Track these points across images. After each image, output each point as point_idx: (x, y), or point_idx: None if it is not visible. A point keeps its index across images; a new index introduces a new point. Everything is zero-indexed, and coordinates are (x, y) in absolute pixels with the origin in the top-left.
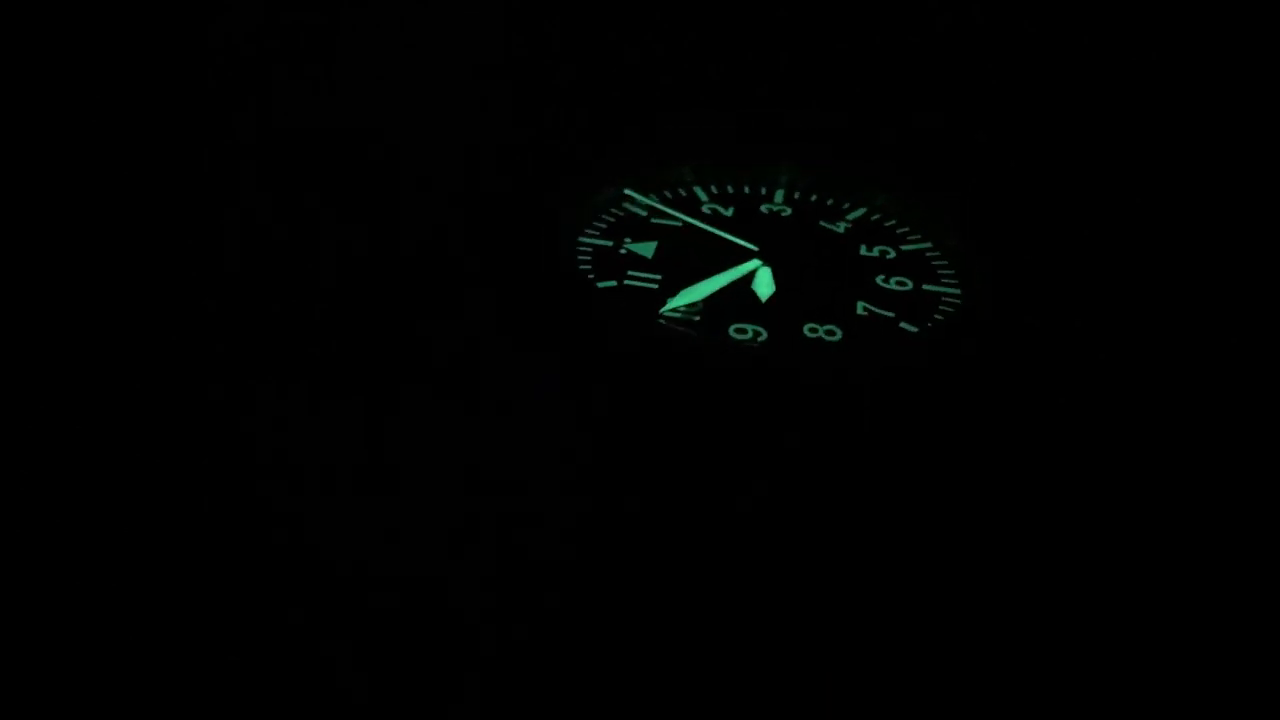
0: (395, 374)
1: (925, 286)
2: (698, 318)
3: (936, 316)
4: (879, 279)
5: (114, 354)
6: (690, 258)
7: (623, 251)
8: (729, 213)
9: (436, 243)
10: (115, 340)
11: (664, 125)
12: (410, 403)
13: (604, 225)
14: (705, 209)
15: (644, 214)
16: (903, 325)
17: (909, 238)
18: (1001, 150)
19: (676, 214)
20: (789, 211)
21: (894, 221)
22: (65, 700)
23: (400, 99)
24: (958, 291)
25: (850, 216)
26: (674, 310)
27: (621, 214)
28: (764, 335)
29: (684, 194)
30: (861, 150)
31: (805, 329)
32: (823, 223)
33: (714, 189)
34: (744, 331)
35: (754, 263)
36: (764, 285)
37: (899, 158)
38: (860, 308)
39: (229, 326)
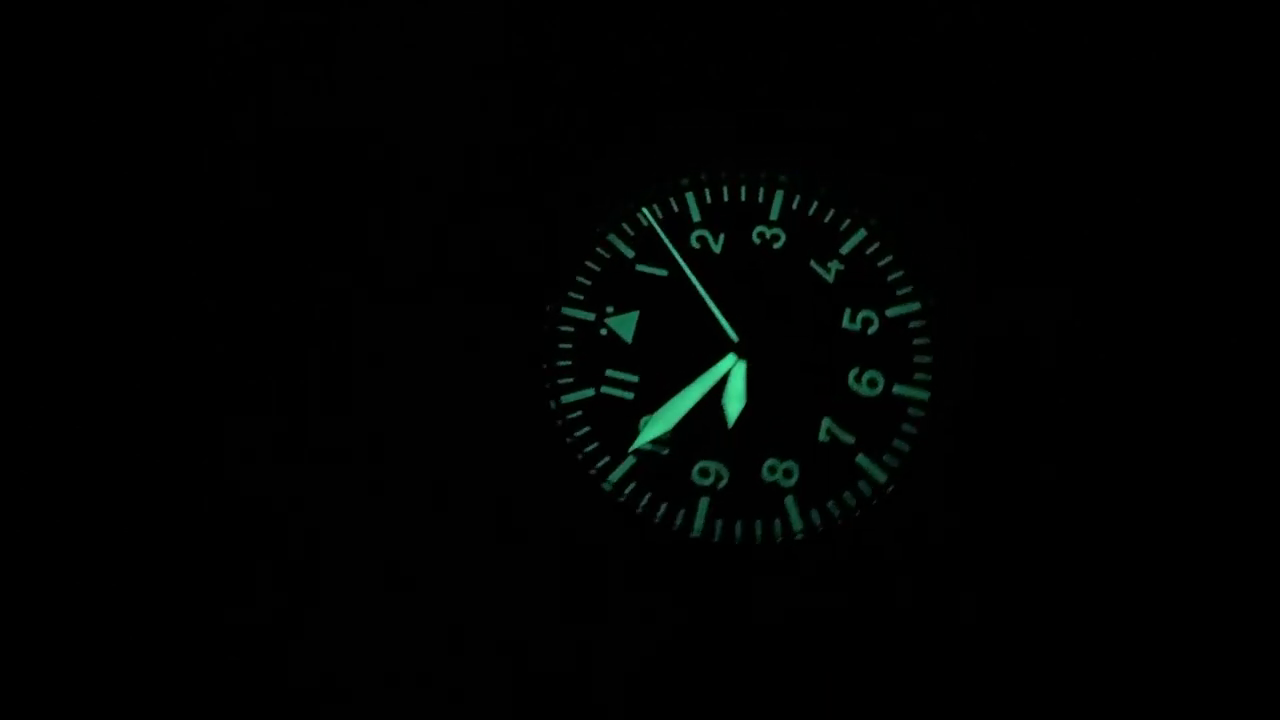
0: (385, 377)
1: (895, 389)
2: (666, 451)
3: (898, 444)
4: (851, 376)
5: (113, 354)
6: (671, 338)
7: (603, 332)
8: (719, 247)
9: (436, 242)
10: (115, 340)
11: (664, 125)
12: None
13: (588, 282)
14: (695, 238)
15: (630, 254)
16: (860, 461)
17: (898, 292)
18: (1001, 150)
19: (654, 270)
20: (782, 240)
21: (888, 259)
22: (65, 700)
23: (400, 99)
24: (925, 396)
25: (844, 249)
26: (645, 445)
27: (609, 256)
28: (724, 478)
29: (675, 209)
30: (860, 152)
31: (765, 468)
32: (813, 262)
33: (708, 197)
34: (707, 474)
35: (730, 359)
36: (734, 400)
37: (897, 161)
38: (824, 431)
39: (229, 326)
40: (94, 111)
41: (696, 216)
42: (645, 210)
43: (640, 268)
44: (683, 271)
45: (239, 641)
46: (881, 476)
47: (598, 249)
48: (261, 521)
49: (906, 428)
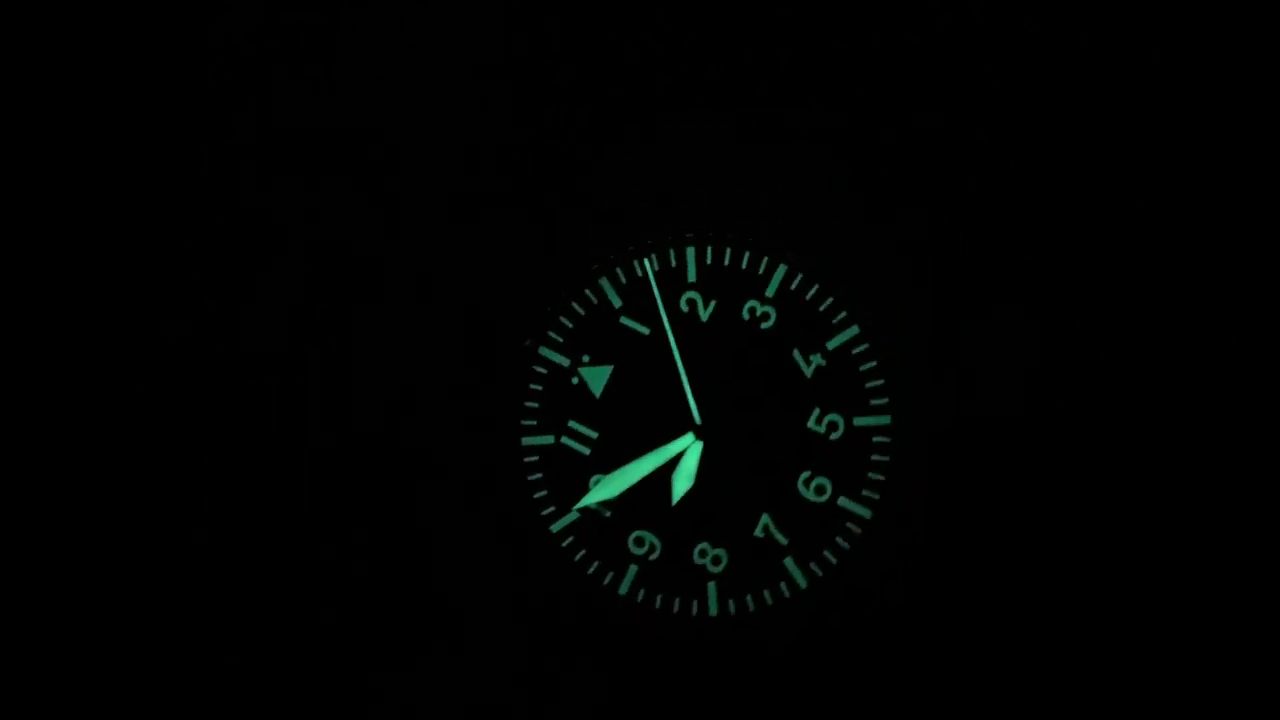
0: (386, 375)
1: (840, 501)
2: (609, 514)
3: (826, 555)
4: (800, 481)
5: (113, 354)
6: (638, 401)
7: (574, 380)
8: (707, 314)
9: (435, 242)
10: (114, 340)
11: (664, 125)
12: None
13: (570, 325)
14: (685, 300)
15: (618, 304)
16: (787, 564)
17: (871, 402)
18: (1002, 150)
19: (638, 327)
20: (772, 320)
21: (871, 364)
22: (65, 700)
23: (400, 99)
24: (867, 514)
25: (831, 343)
26: (590, 504)
27: (596, 302)
28: (656, 551)
29: (673, 264)
30: (860, 154)
31: (696, 550)
32: (796, 352)
33: (709, 257)
34: (641, 544)
35: (688, 439)
36: (683, 479)
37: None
38: (760, 527)
39: (228, 327)
40: (93, 111)
41: (692, 277)
42: (644, 261)
43: (624, 320)
44: (664, 334)
45: (239, 645)
46: (803, 582)
47: (586, 292)
48: (260, 521)
49: (840, 541)
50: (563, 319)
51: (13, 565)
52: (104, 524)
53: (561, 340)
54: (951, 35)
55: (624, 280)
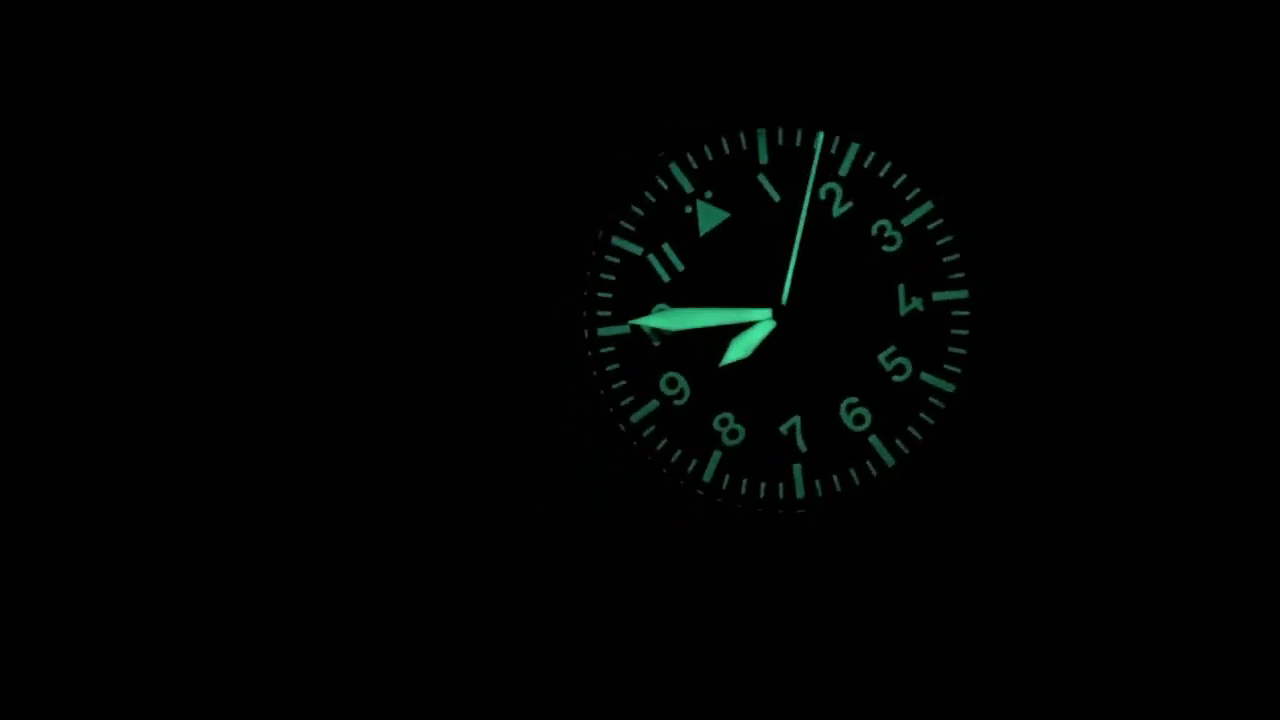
0: (387, 373)
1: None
2: (656, 344)
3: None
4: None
5: (113, 354)
6: (730, 261)
7: (688, 209)
8: (778, 195)
9: (436, 243)
10: (114, 340)
11: (664, 126)
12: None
13: (641, 214)
14: (768, 184)
15: (763, 159)
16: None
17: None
18: (1002, 150)
19: (770, 191)
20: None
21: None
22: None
23: (400, 99)
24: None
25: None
26: (645, 325)
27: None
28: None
29: (744, 147)
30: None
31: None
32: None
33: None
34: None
35: (764, 314)
36: (739, 348)
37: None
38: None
39: (229, 327)
40: (94, 111)
41: (764, 159)
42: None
43: (761, 179)
44: (795, 210)
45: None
46: (890, 460)
47: (672, 169)
48: (261, 526)
49: (925, 417)
50: (634, 207)
51: (6, 562)
52: (101, 521)
53: (634, 229)
54: (951, 35)
55: (695, 165)
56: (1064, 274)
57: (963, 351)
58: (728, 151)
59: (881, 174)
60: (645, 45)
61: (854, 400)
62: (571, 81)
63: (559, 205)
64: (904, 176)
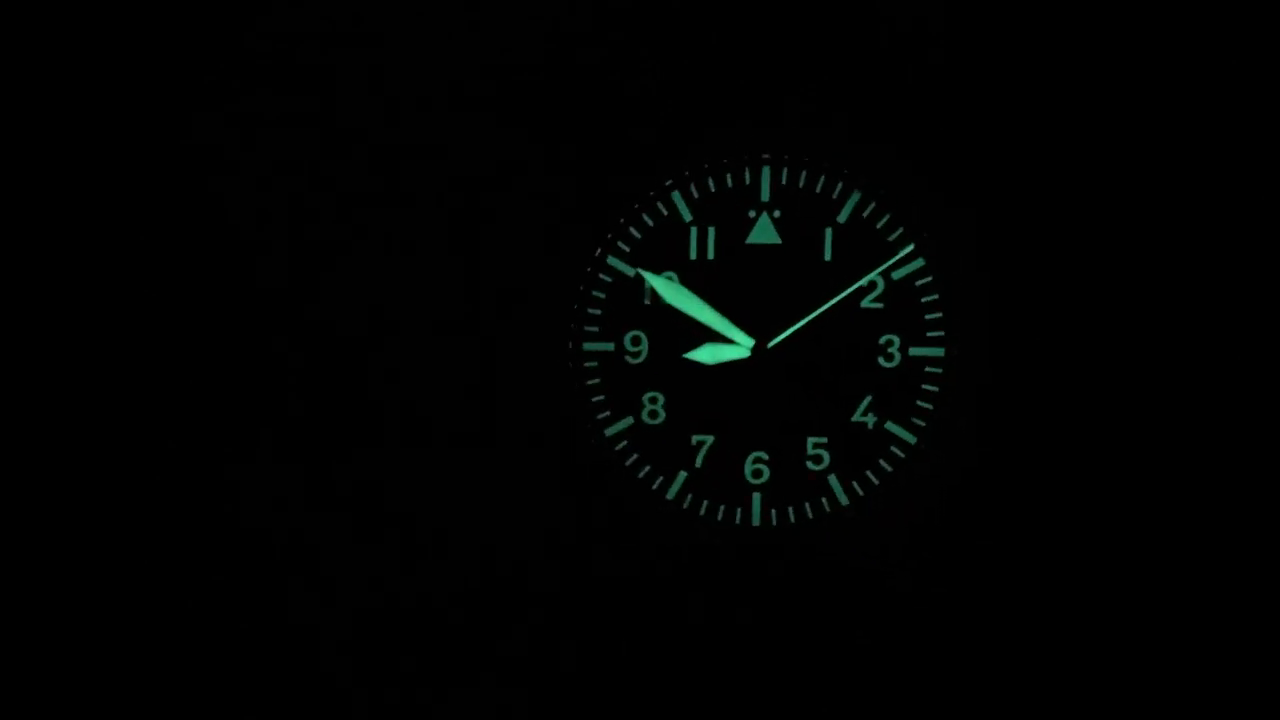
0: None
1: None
2: (646, 301)
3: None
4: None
5: (113, 354)
6: (723, 292)
7: (750, 214)
8: (711, 250)
9: (438, 243)
10: (114, 340)
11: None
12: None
13: (638, 237)
14: (768, 221)
15: (688, 218)
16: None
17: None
18: (1003, 151)
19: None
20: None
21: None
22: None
23: (400, 98)
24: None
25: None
26: (647, 278)
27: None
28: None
29: (747, 181)
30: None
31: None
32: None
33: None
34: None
35: (744, 344)
36: (707, 352)
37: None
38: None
39: (227, 327)
40: (87, 108)
41: (765, 196)
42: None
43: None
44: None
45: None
46: (844, 499)
47: (658, 205)
48: (261, 536)
49: (884, 464)
50: (631, 229)
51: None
52: (101, 532)
53: (628, 250)
54: (952, 34)
55: (695, 195)
56: (1045, 344)
57: (929, 407)
58: (730, 185)
59: (879, 225)
60: (646, 47)
61: (821, 440)
62: (572, 81)
63: (559, 221)
64: (900, 230)
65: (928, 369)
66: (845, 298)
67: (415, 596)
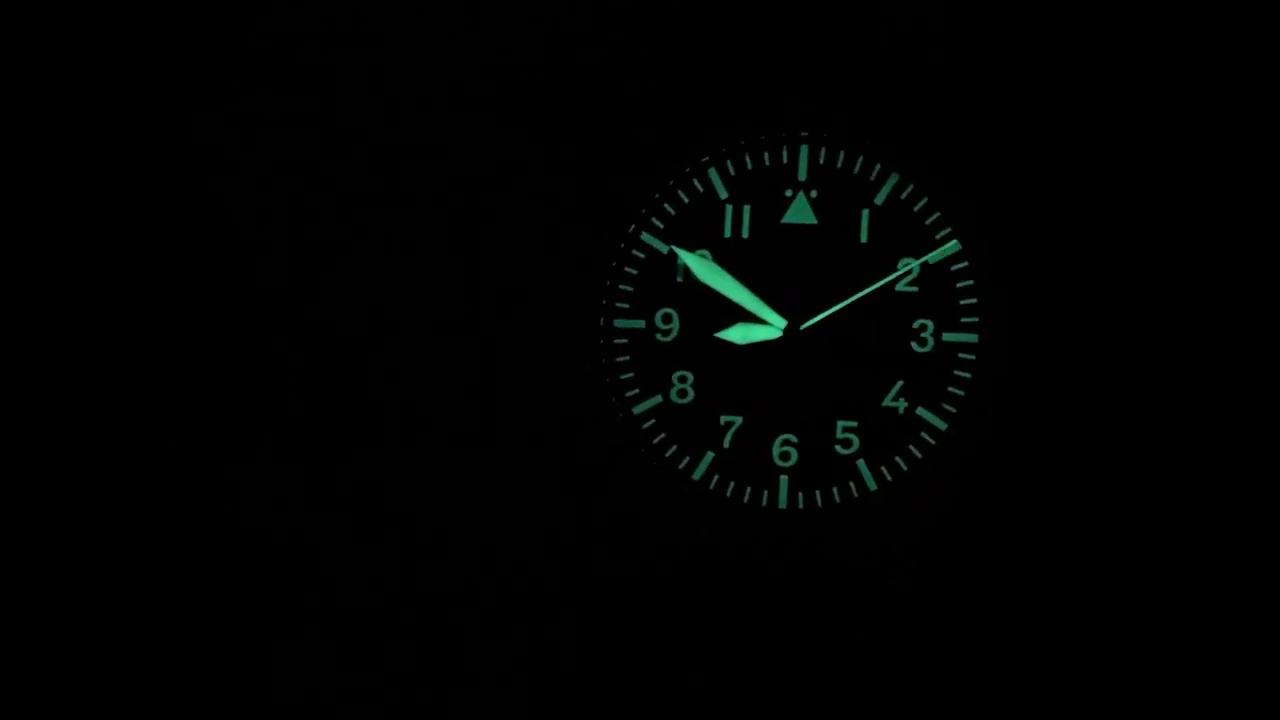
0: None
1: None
2: (679, 279)
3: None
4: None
5: (113, 354)
6: (757, 269)
7: (788, 193)
8: (746, 230)
9: (438, 243)
10: (114, 340)
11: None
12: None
13: (672, 214)
14: (804, 201)
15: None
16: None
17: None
18: (1003, 153)
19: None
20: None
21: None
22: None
23: (400, 99)
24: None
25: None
26: (681, 254)
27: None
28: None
29: (785, 160)
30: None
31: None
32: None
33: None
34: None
35: (777, 324)
36: (738, 332)
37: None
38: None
39: (227, 327)
40: (93, 112)
41: (803, 175)
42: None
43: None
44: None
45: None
46: (872, 484)
47: (694, 181)
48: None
49: (914, 450)
50: (667, 206)
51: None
52: (103, 531)
53: (662, 227)
54: (951, 35)
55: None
56: (1077, 331)
57: (961, 393)
58: (768, 163)
59: (916, 209)
60: (647, 48)
61: (851, 424)
62: (571, 83)
63: (592, 199)
64: (937, 214)
65: (961, 355)
66: (864, 280)
67: (414, 595)
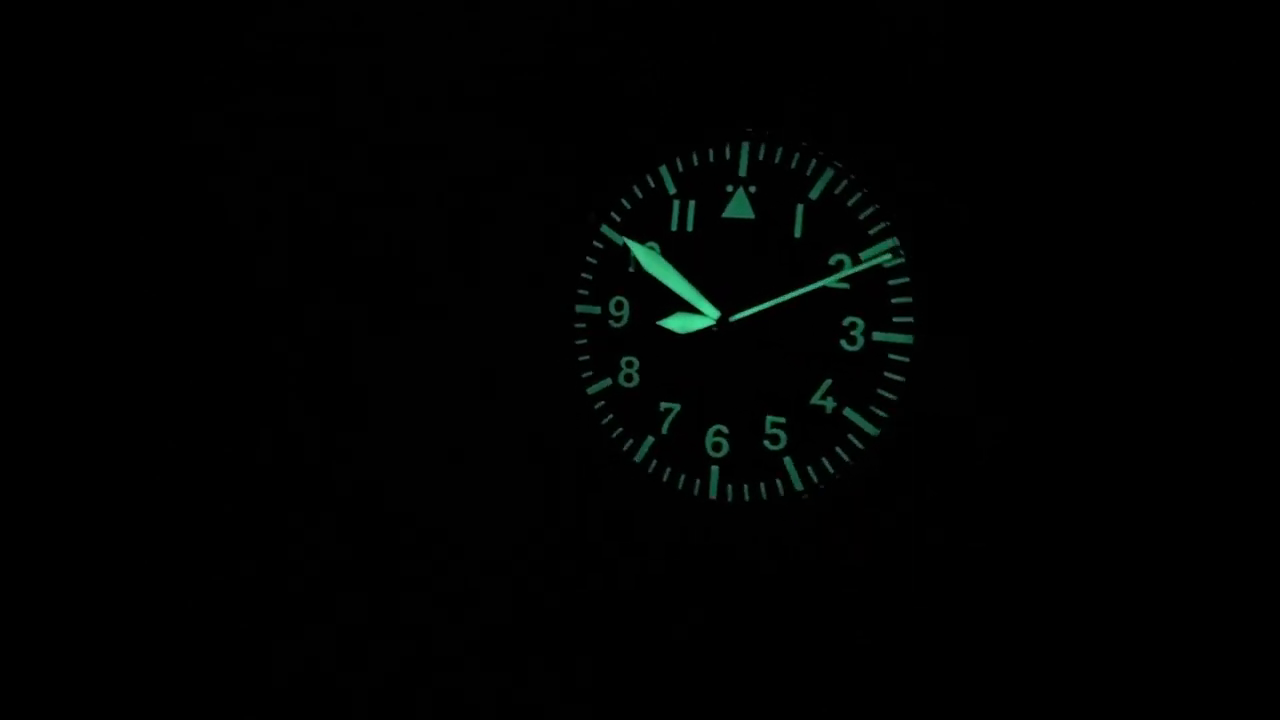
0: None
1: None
2: (631, 269)
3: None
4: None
5: (113, 353)
6: (698, 263)
7: (729, 189)
8: (691, 223)
9: (438, 244)
10: (114, 340)
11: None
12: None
13: (628, 208)
14: (744, 196)
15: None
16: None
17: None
18: (1001, 150)
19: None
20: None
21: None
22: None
23: (400, 98)
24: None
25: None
26: (632, 248)
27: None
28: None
29: (728, 156)
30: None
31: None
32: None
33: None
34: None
35: (710, 315)
36: (677, 321)
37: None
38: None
39: (228, 327)
40: (94, 112)
41: (743, 171)
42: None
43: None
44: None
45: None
46: (798, 484)
47: (648, 178)
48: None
49: (841, 452)
50: (624, 201)
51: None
52: (104, 529)
53: (619, 220)
54: (950, 35)
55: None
56: (1012, 334)
57: (892, 396)
58: (713, 160)
59: (850, 204)
60: (695, 52)
61: (779, 420)
62: (583, 99)
63: (556, 195)
64: (872, 209)
65: (891, 355)
66: (800, 276)
67: (414, 595)
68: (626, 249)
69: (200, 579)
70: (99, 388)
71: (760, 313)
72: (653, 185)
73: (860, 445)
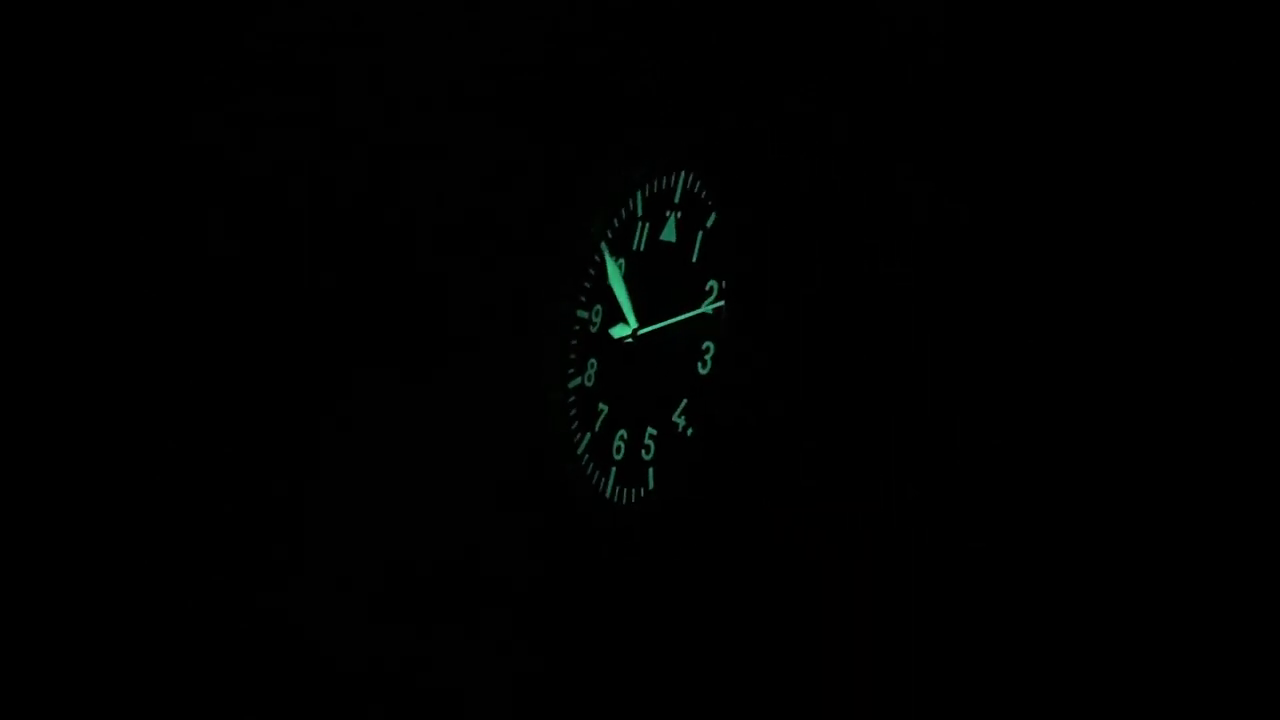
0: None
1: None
2: (591, 272)
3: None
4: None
5: (113, 353)
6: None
7: (667, 214)
8: (673, 240)
9: (437, 244)
10: (114, 340)
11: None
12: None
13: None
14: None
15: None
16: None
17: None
18: (1002, 150)
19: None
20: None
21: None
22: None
23: (400, 98)
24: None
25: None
26: (608, 258)
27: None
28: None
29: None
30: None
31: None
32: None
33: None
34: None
35: (630, 325)
36: (617, 331)
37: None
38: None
39: (227, 327)
40: (93, 112)
41: (640, 212)
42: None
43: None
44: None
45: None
46: (651, 484)
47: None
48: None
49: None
50: (615, 220)
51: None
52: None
53: (610, 236)
54: (947, 35)
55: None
56: (1014, 334)
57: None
58: (666, 186)
59: (726, 235)
60: (695, 52)
61: (653, 432)
62: (583, 99)
63: (558, 205)
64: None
65: (727, 383)
66: (691, 300)
67: (413, 593)
68: (603, 260)
69: (200, 579)
70: (98, 386)
71: (656, 330)
72: (631, 208)
73: (694, 464)
